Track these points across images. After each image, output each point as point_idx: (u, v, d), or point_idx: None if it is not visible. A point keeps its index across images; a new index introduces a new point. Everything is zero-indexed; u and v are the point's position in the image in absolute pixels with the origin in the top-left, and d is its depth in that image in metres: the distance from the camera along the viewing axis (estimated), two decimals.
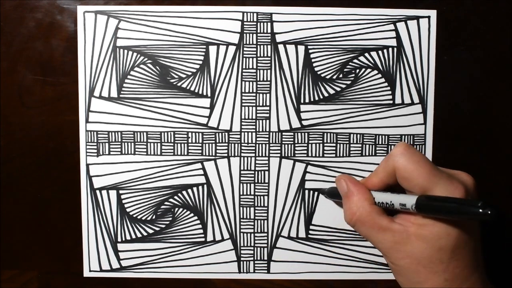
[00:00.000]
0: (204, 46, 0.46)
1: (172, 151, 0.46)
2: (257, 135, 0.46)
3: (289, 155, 0.46)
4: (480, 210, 0.31)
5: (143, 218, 0.47)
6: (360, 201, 0.39)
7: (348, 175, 0.42)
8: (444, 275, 0.35)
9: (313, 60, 0.46)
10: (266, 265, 0.47)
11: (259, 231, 0.47)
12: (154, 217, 0.47)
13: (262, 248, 0.47)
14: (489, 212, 0.30)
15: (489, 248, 0.42)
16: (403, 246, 0.36)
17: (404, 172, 0.37)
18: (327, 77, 0.46)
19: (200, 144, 0.46)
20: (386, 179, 0.39)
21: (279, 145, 0.46)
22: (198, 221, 0.47)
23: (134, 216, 0.46)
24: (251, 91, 0.46)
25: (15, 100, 0.46)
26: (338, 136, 0.46)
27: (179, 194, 0.46)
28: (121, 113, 0.46)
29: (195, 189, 0.46)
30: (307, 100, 0.46)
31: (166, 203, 0.47)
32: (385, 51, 0.46)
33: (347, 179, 0.41)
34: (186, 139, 0.46)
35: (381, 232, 0.37)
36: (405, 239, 0.36)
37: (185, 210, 0.47)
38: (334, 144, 0.46)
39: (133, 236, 0.47)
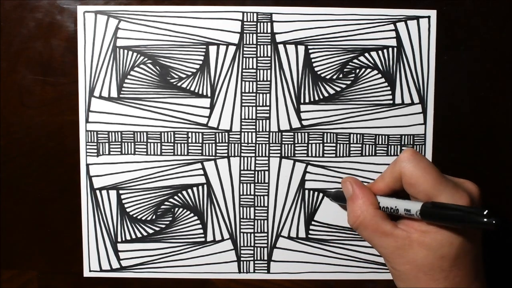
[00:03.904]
0: (204, 46, 0.46)
1: (172, 151, 0.46)
2: (257, 135, 0.46)
3: (289, 155, 0.46)
4: (485, 219, 0.31)
5: (143, 218, 0.47)
6: (365, 204, 0.39)
7: (354, 178, 0.42)
8: (444, 283, 0.35)
9: (313, 60, 0.46)
10: (266, 265, 0.47)
11: (259, 231, 0.47)
12: (154, 217, 0.47)
13: (262, 248, 0.47)
14: (494, 221, 0.30)
15: (490, 256, 0.41)
16: (405, 252, 0.36)
17: (410, 178, 0.37)
18: (327, 77, 0.46)
19: (200, 144, 0.46)
20: (392, 184, 0.39)
21: (279, 145, 0.46)
22: (198, 221, 0.47)
23: (134, 216, 0.46)
24: (251, 91, 0.46)
25: (15, 100, 0.46)
26: (338, 136, 0.46)
27: (179, 194, 0.46)
28: (121, 113, 0.46)
29: (195, 189, 0.46)
30: (307, 100, 0.46)
31: (166, 203, 0.47)
32: (385, 51, 0.46)
33: (353, 182, 0.41)
34: (186, 139, 0.46)
35: (384, 237, 0.37)
36: (407, 245, 0.36)
37: (185, 210, 0.47)
38: (334, 144, 0.46)
39: (133, 236, 0.47)
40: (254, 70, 0.46)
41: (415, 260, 0.36)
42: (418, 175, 0.36)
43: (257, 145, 0.46)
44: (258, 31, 0.46)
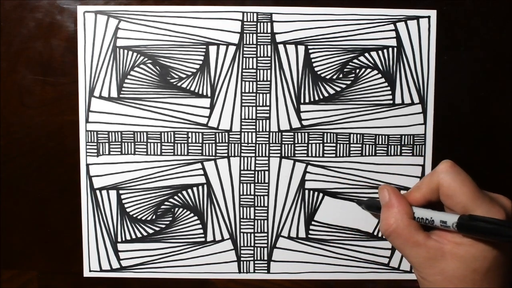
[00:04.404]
0: (204, 46, 0.46)
1: (172, 151, 0.46)
2: (257, 135, 0.46)
3: (289, 155, 0.46)
4: None
5: (143, 218, 0.47)
6: (399, 213, 0.38)
7: (392, 186, 0.41)
8: None
9: (313, 60, 0.46)
10: (266, 265, 0.47)
11: (259, 231, 0.47)
12: (154, 217, 0.47)
13: (262, 248, 0.47)
14: None
15: None
16: (437, 263, 0.36)
17: (448, 189, 0.37)
18: (327, 77, 0.46)
19: (200, 144, 0.46)
20: (428, 195, 0.38)
21: (279, 145, 0.46)
22: (198, 221, 0.47)
23: (134, 216, 0.46)
24: (251, 91, 0.46)
25: (15, 100, 0.46)
26: (338, 136, 0.46)
27: (179, 194, 0.46)
28: (121, 113, 0.46)
29: (195, 189, 0.46)
30: (307, 100, 0.46)
31: (166, 203, 0.47)
32: (385, 51, 0.46)
33: (391, 190, 0.40)
34: (186, 139, 0.46)
35: (416, 247, 0.37)
36: (440, 256, 0.36)
37: (185, 210, 0.47)
38: (334, 144, 0.46)
39: (133, 236, 0.47)
40: (254, 70, 0.46)
41: (446, 271, 0.36)
42: (455, 187, 0.36)
43: (257, 145, 0.46)
44: (258, 31, 0.46)
